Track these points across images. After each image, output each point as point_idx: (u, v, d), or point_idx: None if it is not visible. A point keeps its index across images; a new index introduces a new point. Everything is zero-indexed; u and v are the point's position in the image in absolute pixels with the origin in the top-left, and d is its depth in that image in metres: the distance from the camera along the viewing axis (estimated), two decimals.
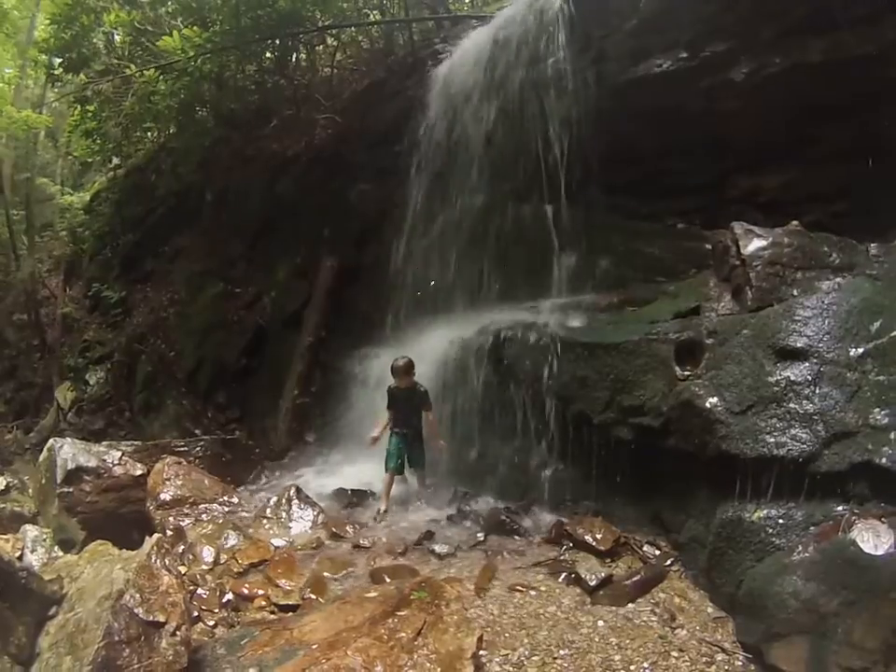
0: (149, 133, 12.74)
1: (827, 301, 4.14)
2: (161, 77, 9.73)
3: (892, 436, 3.47)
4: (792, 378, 3.88)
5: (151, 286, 12.72)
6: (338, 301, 8.84)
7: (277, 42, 10.22)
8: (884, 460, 3.40)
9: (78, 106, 10.92)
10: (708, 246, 5.52)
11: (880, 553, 3.06)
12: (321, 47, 11.93)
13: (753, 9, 5.76)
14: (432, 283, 7.52)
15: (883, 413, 3.58)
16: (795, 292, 4.45)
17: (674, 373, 4.41)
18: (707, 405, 4.04)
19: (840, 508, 3.45)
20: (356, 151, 9.25)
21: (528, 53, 7.35)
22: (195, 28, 9.11)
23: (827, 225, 5.17)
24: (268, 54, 10.77)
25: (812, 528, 3.44)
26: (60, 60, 11.02)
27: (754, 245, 4.79)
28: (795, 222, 5.02)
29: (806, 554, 3.25)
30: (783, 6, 5.61)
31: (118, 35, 11.27)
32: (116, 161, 14.24)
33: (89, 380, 12.39)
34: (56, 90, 14.17)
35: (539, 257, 6.85)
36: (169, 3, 11.02)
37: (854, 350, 3.88)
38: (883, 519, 3.23)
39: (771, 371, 3.95)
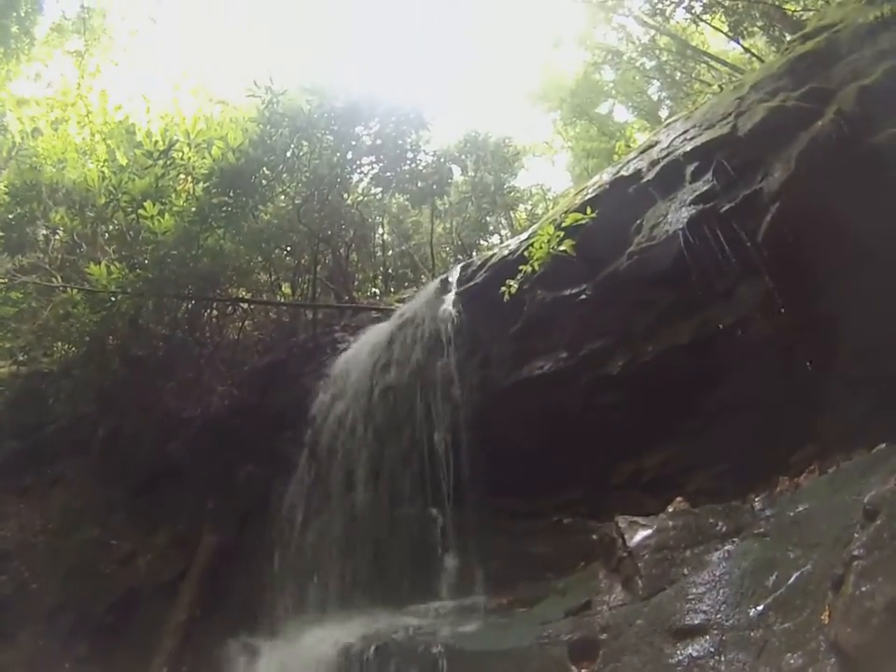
0: (59, 345, 12.53)
1: (719, 573, 4.29)
2: (82, 299, 9.86)
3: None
4: (695, 654, 3.87)
5: (26, 503, 11.52)
6: (217, 580, 8.39)
7: (192, 300, 10.70)
8: None
9: (3, 290, 10.72)
10: (595, 537, 5.66)
11: None
12: (231, 310, 12.37)
13: (625, 305, 6.51)
14: (314, 579, 7.29)
15: (795, 655, 3.57)
16: (686, 571, 4.54)
17: None
18: None
19: None
20: (248, 430, 9.30)
21: (419, 355, 7.95)
22: (121, 265, 9.46)
23: (711, 489, 5.50)
24: (183, 306, 11.13)
25: None
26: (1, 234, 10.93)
27: (639, 535, 4.95)
28: (679, 498, 5.32)
29: None
30: (652, 296, 6.36)
31: (59, 234, 11.55)
32: (22, 357, 13.74)
33: None
34: None
35: (425, 559, 6.84)
36: (110, 226, 11.49)
37: (754, 610, 3.95)
38: None
39: (671, 654, 3.93)
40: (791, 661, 3.57)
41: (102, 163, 10.84)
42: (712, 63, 16.39)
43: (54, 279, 10.59)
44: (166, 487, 9.63)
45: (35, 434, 12.77)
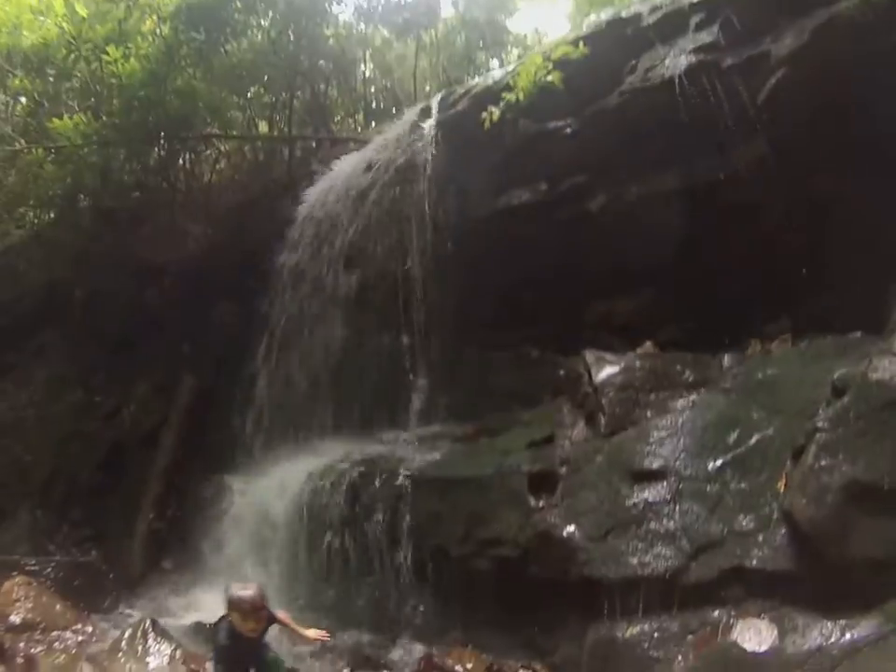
0: (31, 213, 12.16)
1: (682, 420, 4.35)
2: (49, 158, 9.42)
3: (761, 538, 3.58)
4: (650, 499, 3.99)
5: (12, 380, 11.60)
6: (197, 422, 8.56)
7: (164, 143, 10.16)
8: (755, 562, 3.50)
9: None
10: (562, 372, 5.69)
11: (764, 648, 3.08)
12: (206, 151, 11.75)
13: (611, 143, 6.16)
14: (288, 414, 7.43)
15: (748, 517, 3.70)
16: (649, 414, 4.60)
17: (529, 505, 4.42)
18: (565, 534, 4.08)
19: (716, 613, 3.48)
20: (224, 268, 9.06)
21: (395, 182, 7.61)
22: (86, 115, 8.92)
23: (682, 341, 5.45)
24: (154, 153, 10.60)
25: (690, 637, 3.45)
26: None
27: (606, 371, 4.95)
28: (649, 343, 5.29)
29: (688, 663, 3.25)
30: (641, 138, 6.02)
31: (20, 101, 10.91)
32: None
33: None
34: None
35: (396, 387, 6.94)
36: (73, 80, 10.75)
37: (713, 463, 4.04)
38: (763, 615, 3.28)
39: (628, 495, 4.05)
40: (743, 523, 3.69)
41: (60, 18, 9.89)
42: None
43: (17, 144, 10.02)
44: (144, 339, 9.69)
45: (12, 309, 12.67)
